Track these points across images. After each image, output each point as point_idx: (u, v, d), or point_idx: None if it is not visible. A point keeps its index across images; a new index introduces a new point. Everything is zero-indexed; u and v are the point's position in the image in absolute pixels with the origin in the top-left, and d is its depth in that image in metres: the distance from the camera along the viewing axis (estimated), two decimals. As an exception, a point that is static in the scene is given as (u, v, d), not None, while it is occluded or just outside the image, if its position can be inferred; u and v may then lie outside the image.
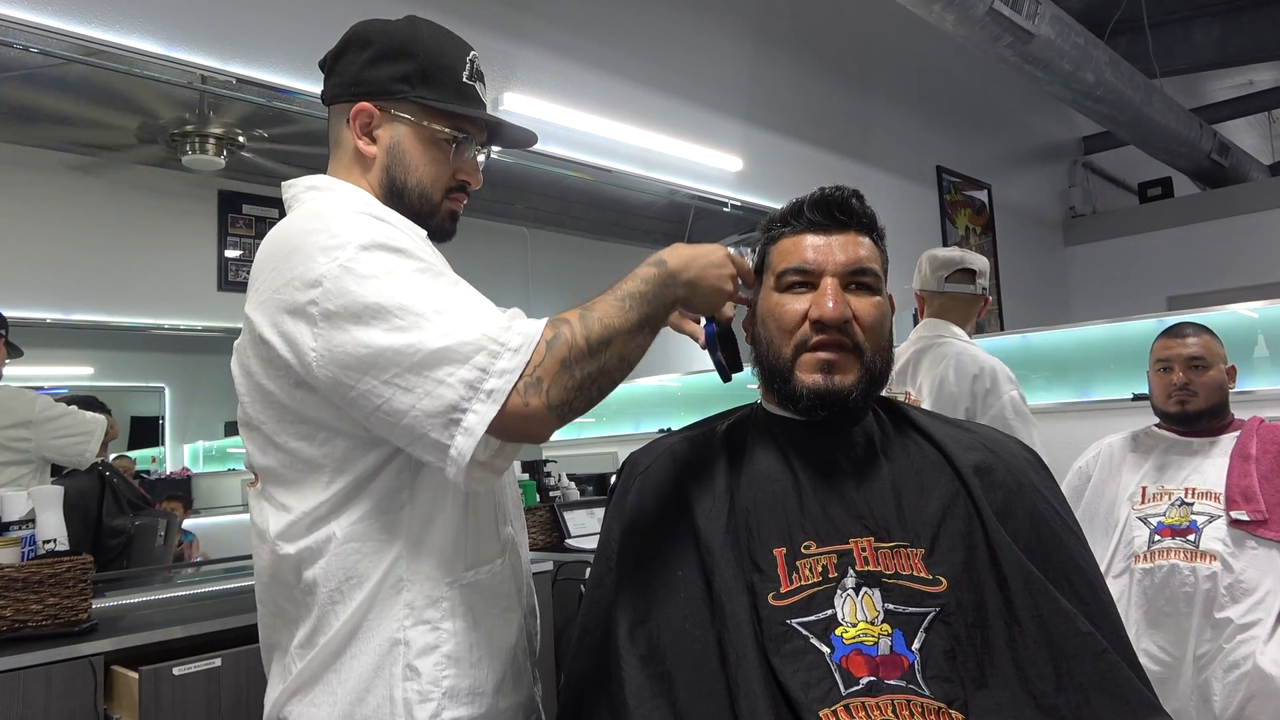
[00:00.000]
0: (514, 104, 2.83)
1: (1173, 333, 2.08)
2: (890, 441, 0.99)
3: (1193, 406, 2.00)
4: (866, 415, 0.99)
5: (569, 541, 2.57)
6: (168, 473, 2.47)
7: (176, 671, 1.49)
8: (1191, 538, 1.89)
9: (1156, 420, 2.12)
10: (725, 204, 3.61)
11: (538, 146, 1.14)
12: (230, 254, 2.58)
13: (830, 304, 0.94)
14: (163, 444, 2.48)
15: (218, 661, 1.54)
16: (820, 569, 0.87)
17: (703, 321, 1.04)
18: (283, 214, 0.98)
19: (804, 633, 0.84)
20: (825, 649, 0.83)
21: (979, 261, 2.23)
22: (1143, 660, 0.91)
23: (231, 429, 2.58)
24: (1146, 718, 0.81)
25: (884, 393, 1.02)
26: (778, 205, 1.05)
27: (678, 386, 3.90)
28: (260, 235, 2.64)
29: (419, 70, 0.99)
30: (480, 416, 0.79)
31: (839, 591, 0.86)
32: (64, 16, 1.98)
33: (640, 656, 0.86)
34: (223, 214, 2.59)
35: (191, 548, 2.40)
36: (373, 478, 0.90)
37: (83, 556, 1.57)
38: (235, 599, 1.85)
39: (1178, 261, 5.84)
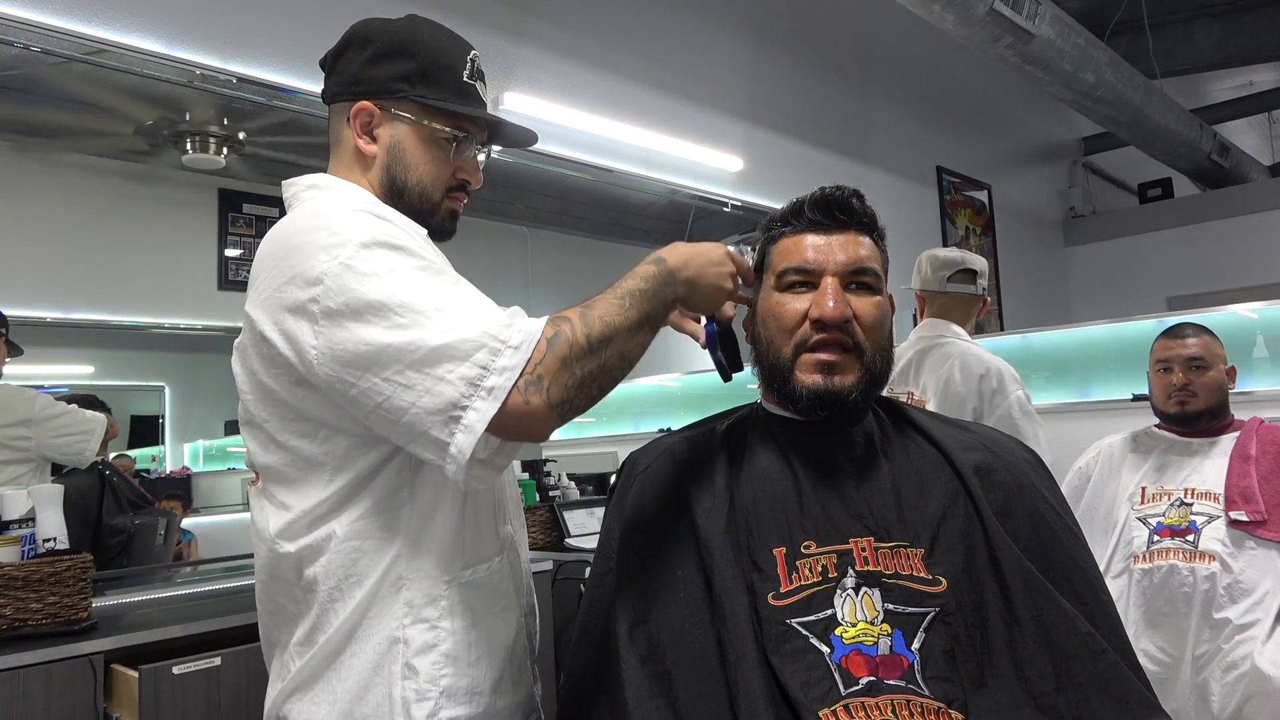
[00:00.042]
0: (514, 103, 2.84)
1: (1172, 333, 2.08)
2: (890, 441, 0.99)
3: (1192, 407, 2.00)
4: (866, 415, 0.99)
5: (569, 541, 2.57)
6: (168, 472, 2.47)
7: (176, 670, 1.49)
8: (1190, 538, 1.89)
9: (1156, 421, 2.12)
10: (725, 204, 3.61)
11: (538, 146, 1.14)
12: (230, 253, 2.58)
13: (830, 303, 0.94)
14: (163, 443, 2.48)
15: (217, 660, 1.54)
16: (820, 569, 0.87)
17: (703, 321, 1.04)
18: (283, 213, 0.98)
19: (804, 632, 0.84)
20: (825, 649, 0.83)
21: (979, 262, 2.24)
22: (1141, 660, 0.91)
23: (231, 428, 2.58)
24: (1146, 718, 0.81)
25: (885, 392, 1.02)
26: (778, 205, 1.05)
27: (677, 386, 3.90)
28: (260, 234, 2.63)
29: (419, 69, 0.99)
30: (481, 414, 0.79)
31: (839, 591, 0.86)
32: (64, 15, 1.98)
33: (640, 656, 0.86)
34: (223, 213, 2.59)
35: (190, 547, 2.40)
36: (373, 476, 0.90)
37: (83, 555, 1.57)
38: (235, 598, 1.85)
39: (1177, 262, 5.84)
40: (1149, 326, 2.70)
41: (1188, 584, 1.85)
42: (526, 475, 2.88)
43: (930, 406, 2.00)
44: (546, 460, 3.09)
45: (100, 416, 2.13)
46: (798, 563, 0.88)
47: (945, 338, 2.13)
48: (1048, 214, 6.22)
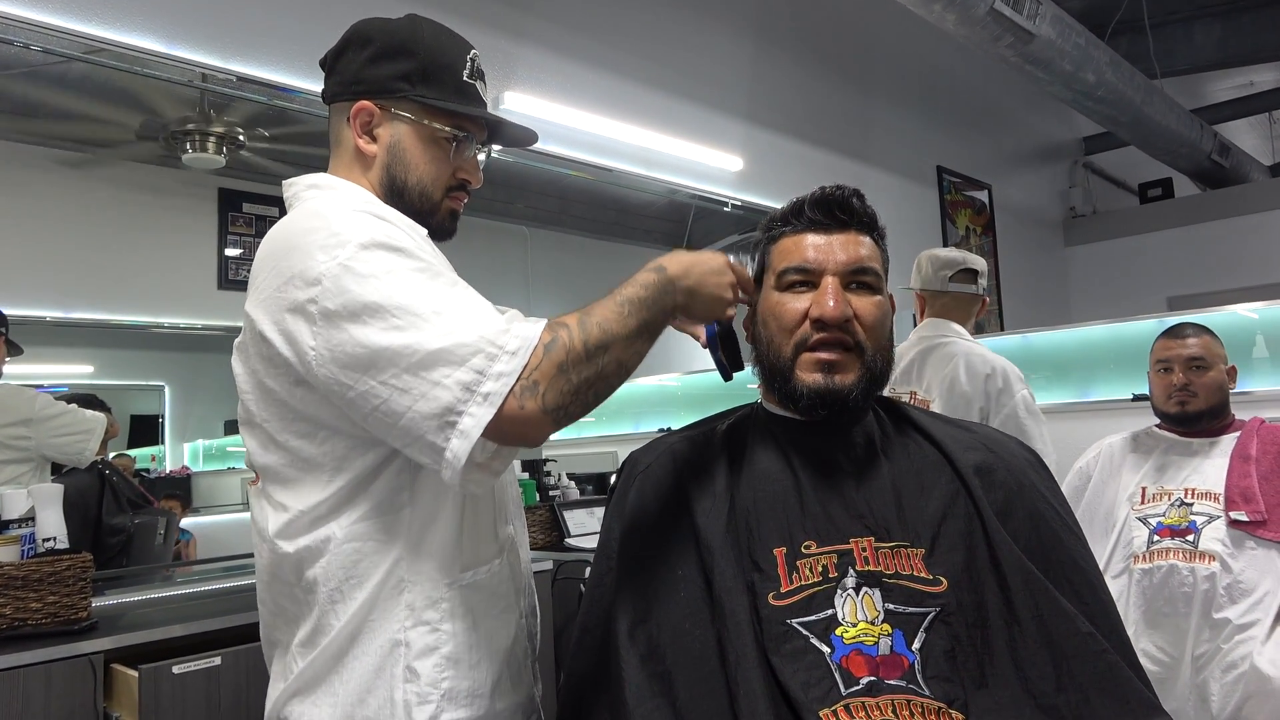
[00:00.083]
0: (514, 103, 2.83)
1: (1173, 333, 2.08)
2: (890, 441, 0.99)
3: (1193, 407, 2.00)
4: (867, 415, 0.99)
5: (569, 541, 2.57)
6: (167, 471, 2.47)
7: (176, 670, 1.49)
8: (1190, 538, 1.89)
9: (1157, 421, 2.12)
10: (725, 203, 3.61)
11: (538, 145, 1.14)
12: (230, 252, 2.58)
13: (831, 303, 0.94)
14: (162, 442, 2.48)
15: (217, 660, 1.54)
16: (820, 569, 0.87)
17: None
18: (283, 212, 0.98)
19: (804, 632, 0.84)
20: (825, 649, 0.83)
21: (980, 262, 2.24)
22: (1141, 660, 0.91)
23: (231, 428, 2.58)
24: (1147, 718, 0.81)
25: (888, 392, 1.02)
26: (778, 205, 1.05)
27: (677, 386, 3.90)
28: (260, 234, 2.63)
29: (419, 69, 0.98)
30: (476, 420, 0.79)
31: (839, 591, 0.86)
32: (65, 14, 1.98)
33: (640, 656, 0.86)
34: (223, 212, 2.59)
35: (189, 547, 2.40)
36: (373, 478, 0.90)
37: (82, 555, 1.57)
38: (235, 597, 1.85)
39: (1178, 262, 5.84)
40: (1149, 326, 2.70)
41: (1187, 584, 1.85)
42: (526, 475, 2.88)
43: (935, 406, 2.00)
44: (546, 460, 3.09)
45: (100, 416, 2.13)
46: (798, 563, 0.88)
47: (948, 337, 2.13)
48: (1048, 214, 6.22)
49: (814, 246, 0.98)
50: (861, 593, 0.85)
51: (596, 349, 0.84)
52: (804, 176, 3.86)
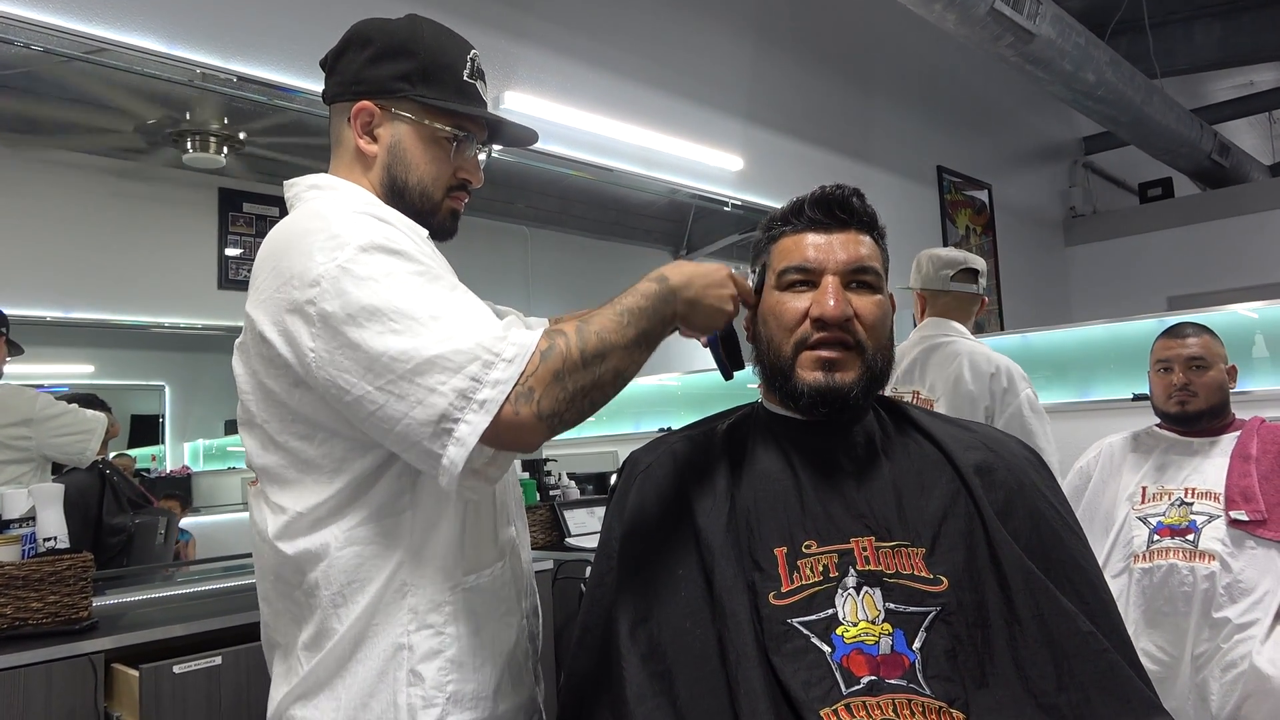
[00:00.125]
0: (515, 103, 2.83)
1: (1173, 333, 2.08)
2: (891, 441, 0.99)
3: (1193, 407, 2.00)
4: (867, 414, 0.99)
5: (569, 540, 2.57)
6: (168, 471, 2.47)
7: (177, 670, 1.49)
8: (1190, 537, 1.89)
9: (1157, 420, 2.12)
10: (726, 203, 3.61)
11: (538, 145, 1.14)
12: (230, 252, 2.58)
13: (831, 302, 0.94)
14: (163, 442, 2.48)
15: (218, 660, 1.54)
16: (821, 568, 0.87)
17: None
18: (284, 212, 0.98)
19: (805, 632, 0.84)
20: (826, 648, 0.83)
21: (980, 262, 2.25)
22: (1140, 660, 0.91)
23: (231, 427, 2.58)
24: (1147, 717, 0.81)
25: (890, 392, 1.03)
26: (778, 204, 1.05)
27: (678, 385, 3.90)
28: (261, 234, 2.65)
29: (420, 69, 0.98)
30: (473, 427, 0.79)
31: (840, 591, 0.86)
32: (65, 14, 1.98)
33: (641, 655, 0.86)
34: (223, 212, 2.59)
35: (188, 547, 2.40)
36: (373, 481, 0.90)
37: (83, 554, 1.57)
38: (235, 597, 1.85)
39: (1178, 262, 5.84)
40: (1149, 326, 2.70)
41: (1187, 583, 1.86)
42: (527, 475, 2.88)
43: (940, 405, 2.01)
44: (547, 460, 3.09)
45: (100, 416, 2.13)
46: (799, 562, 0.88)
47: (950, 337, 2.13)
48: (1048, 214, 6.22)
49: (814, 246, 0.98)
50: (862, 592, 0.86)
51: (594, 357, 0.84)
52: (804, 176, 3.86)
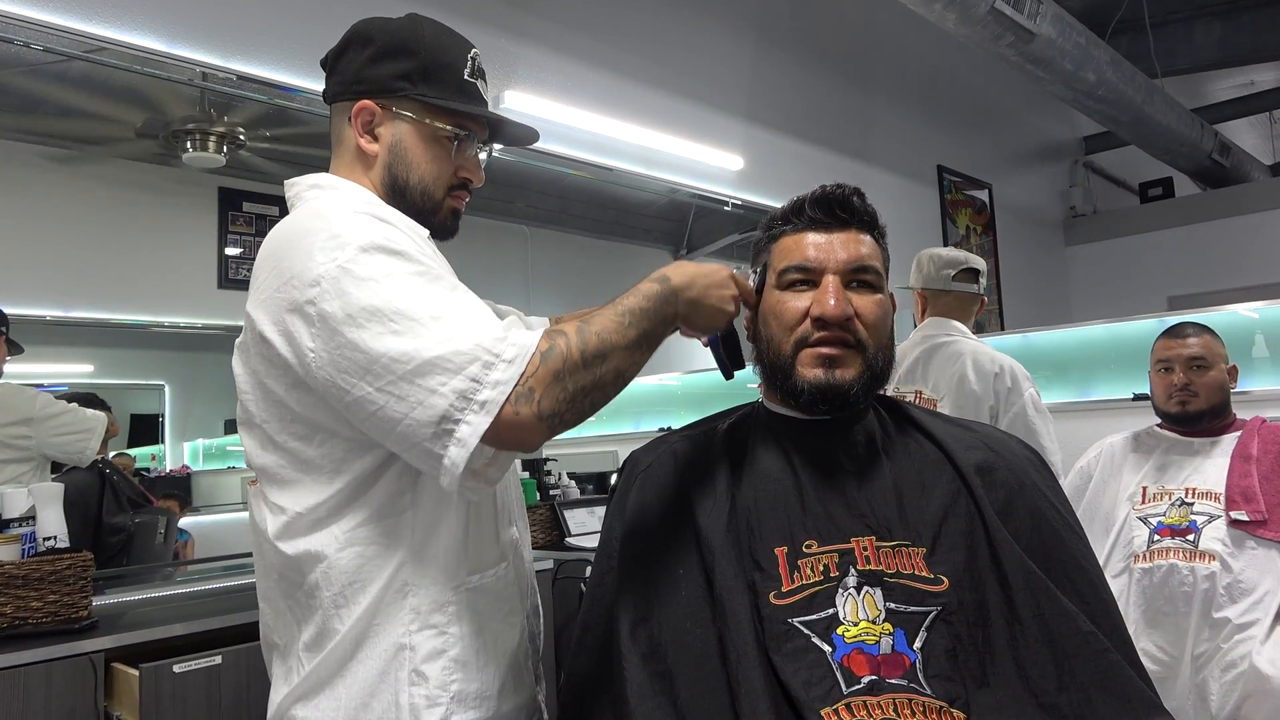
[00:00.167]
0: (515, 102, 2.83)
1: (1174, 333, 2.08)
2: (892, 440, 0.99)
3: (1193, 407, 2.00)
4: (868, 414, 0.99)
5: (569, 540, 2.57)
6: (167, 470, 2.47)
7: (177, 669, 1.49)
8: (1191, 538, 1.89)
9: (1157, 420, 2.12)
10: (726, 203, 3.61)
11: (538, 145, 1.14)
12: (230, 251, 2.58)
13: (832, 301, 0.94)
14: (162, 441, 2.48)
15: (218, 659, 1.54)
16: (822, 568, 0.87)
17: None
18: (284, 212, 0.97)
19: (805, 631, 0.84)
20: (827, 648, 0.83)
21: (980, 262, 2.26)
22: (1140, 659, 0.91)
23: (231, 427, 2.57)
24: (1148, 717, 0.81)
25: (892, 392, 1.02)
26: (778, 204, 1.05)
27: (678, 385, 3.90)
28: (261, 233, 2.65)
29: (420, 68, 0.98)
30: (473, 428, 0.79)
31: (840, 590, 0.86)
32: (66, 13, 1.98)
33: (641, 655, 0.86)
34: (223, 211, 2.59)
35: (187, 547, 2.40)
36: (373, 481, 0.90)
37: (83, 554, 1.57)
38: (235, 596, 1.85)
39: (1178, 261, 5.84)
40: (1150, 326, 2.70)
41: (1187, 583, 1.86)
42: (527, 474, 2.88)
43: (944, 405, 2.01)
44: (547, 459, 3.09)
45: (100, 415, 2.13)
46: (799, 562, 0.88)
47: (952, 336, 2.14)
48: (1048, 213, 6.22)
49: (815, 245, 0.98)
50: (863, 592, 0.86)
51: (594, 358, 0.84)
52: (804, 176, 3.86)
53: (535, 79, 2.96)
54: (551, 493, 2.90)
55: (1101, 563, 1.97)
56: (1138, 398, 2.76)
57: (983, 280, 2.24)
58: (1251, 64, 6.08)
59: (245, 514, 1.01)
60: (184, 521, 2.41)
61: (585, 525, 2.62)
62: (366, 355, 0.81)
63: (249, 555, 1.01)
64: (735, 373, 1.06)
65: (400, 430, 0.81)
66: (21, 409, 2.02)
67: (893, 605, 0.85)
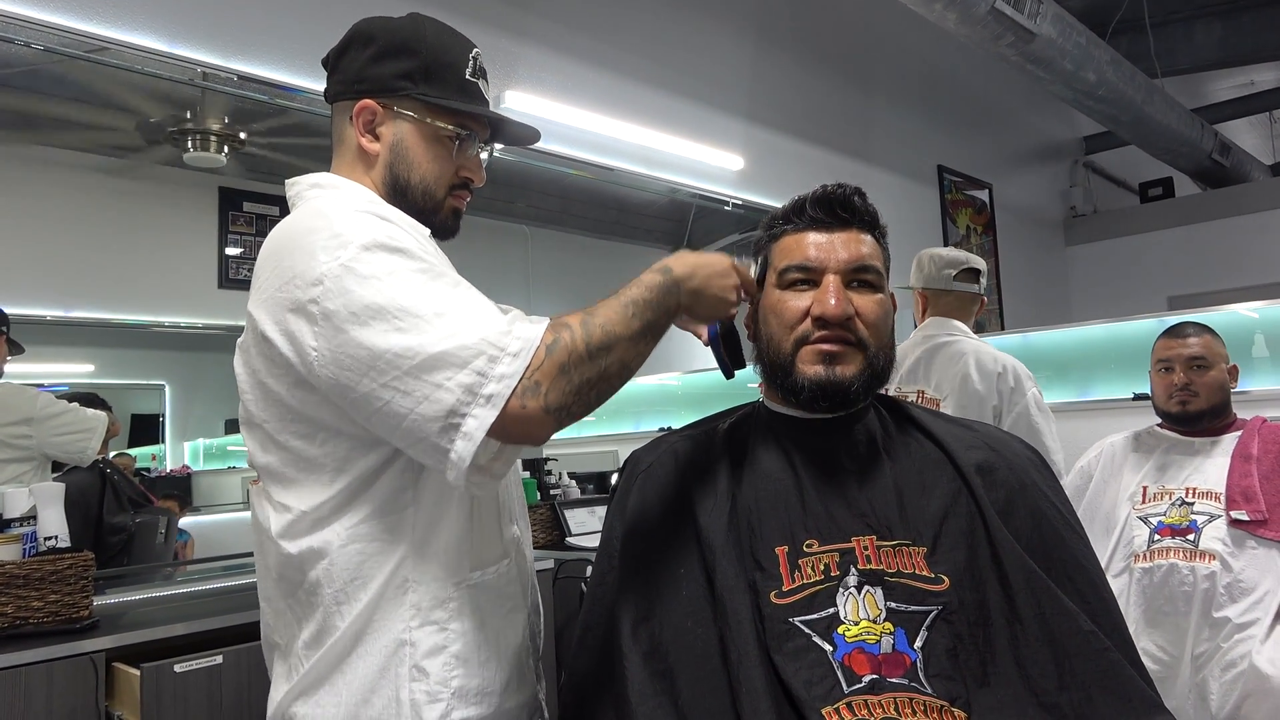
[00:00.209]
0: (516, 102, 2.83)
1: (1174, 333, 2.08)
2: (892, 440, 0.99)
3: (1194, 407, 2.00)
4: (869, 413, 0.99)
5: (570, 540, 2.57)
6: (168, 470, 2.47)
7: (178, 669, 1.49)
8: (1191, 537, 1.89)
9: (1158, 420, 2.12)
10: (726, 202, 3.61)
11: (539, 144, 1.14)
12: (231, 251, 2.58)
13: (833, 301, 0.94)
14: (163, 441, 2.48)
15: (219, 659, 1.54)
16: (822, 567, 0.87)
17: None
18: (284, 212, 0.97)
19: (806, 631, 0.84)
20: (827, 647, 0.83)
21: (981, 262, 2.26)
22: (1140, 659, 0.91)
23: (231, 427, 2.58)
24: (1149, 716, 0.81)
25: (894, 391, 1.03)
26: (779, 204, 1.05)
27: (678, 385, 3.90)
28: (261, 233, 2.65)
29: (422, 67, 0.98)
30: (480, 421, 0.79)
31: (841, 590, 0.86)
32: (66, 13, 1.98)
33: (642, 654, 0.86)
34: (223, 211, 2.60)
35: (186, 547, 2.40)
36: (375, 478, 0.90)
37: (84, 553, 1.57)
38: (236, 596, 1.85)
39: (1178, 261, 5.84)
40: (1150, 326, 2.70)
41: (1188, 583, 1.86)
42: (528, 474, 2.88)
43: (948, 405, 2.01)
44: (547, 459, 3.10)
45: (101, 415, 2.13)
46: (800, 561, 0.88)
47: (954, 336, 2.14)
48: (1049, 213, 6.22)
49: (816, 245, 0.98)
50: (863, 591, 0.86)
51: (599, 349, 0.84)
52: (805, 175, 3.86)
53: (536, 79, 2.96)
54: (552, 492, 2.90)
55: (1104, 563, 1.97)
56: (1138, 397, 2.76)
57: (983, 280, 2.25)
58: (1252, 64, 6.08)
59: (246, 514, 1.01)
60: (184, 521, 2.41)
61: (586, 525, 2.62)
62: (371, 352, 0.81)
63: (249, 555, 1.01)
64: (736, 372, 1.06)
65: (406, 426, 0.81)
66: (22, 409, 2.02)
67: (893, 604, 0.85)
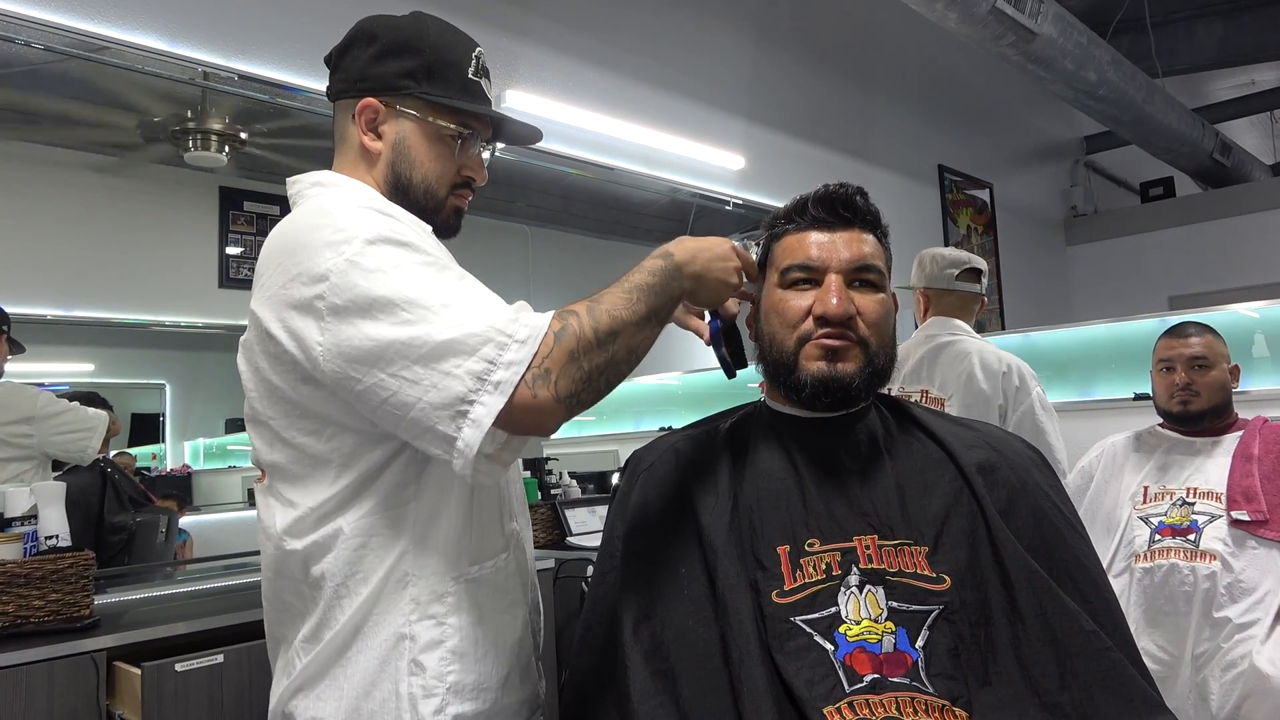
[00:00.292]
0: (517, 101, 2.83)
1: (1175, 332, 2.08)
2: (894, 439, 0.99)
3: (1195, 406, 2.00)
4: (870, 412, 0.99)
5: (570, 539, 2.57)
6: (168, 469, 2.47)
7: (179, 668, 1.49)
8: (1192, 537, 1.89)
9: (1159, 420, 2.12)
10: (727, 202, 3.61)
11: (540, 144, 1.14)
12: (231, 251, 2.58)
13: (834, 300, 0.94)
14: (163, 441, 2.48)
15: (220, 658, 1.54)
16: (824, 566, 0.87)
17: (707, 317, 1.04)
18: (285, 211, 0.97)
19: (807, 630, 0.84)
20: (829, 646, 0.83)
21: (982, 262, 2.26)
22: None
23: (232, 426, 2.58)
24: (1150, 716, 0.81)
25: (897, 391, 1.03)
26: (779, 204, 1.05)
27: (678, 384, 3.90)
28: (261, 232, 2.65)
29: (424, 66, 0.98)
30: (488, 408, 0.79)
31: (842, 589, 0.86)
32: (67, 12, 1.98)
33: (644, 653, 0.86)
34: (224, 211, 2.60)
35: (186, 547, 2.40)
36: (380, 472, 0.90)
37: (85, 552, 1.57)
38: (237, 595, 1.85)
39: (1179, 261, 5.84)
40: (1151, 325, 2.70)
41: (1188, 583, 1.86)
42: (528, 473, 2.88)
43: (953, 404, 2.01)
44: (548, 459, 3.09)
45: (102, 414, 2.13)
46: (801, 560, 0.88)
47: (957, 335, 2.14)
48: (1049, 213, 6.22)
49: (817, 244, 0.98)
50: (865, 590, 0.86)
51: (607, 336, 0.84)
52: (805, 175, 3.86)
53: (536, 78, 2.96)
54: (552, 492, 2.90)
55: (1105, 563, 1.97)
56: (1139, 397, 2.76)
57: (984, 280, 2.24)
58: (1252, 63, 6.08)
59: (246, 513, 1.01)
60: (185, 521, 2.41)
61: (586, 524, 2.62)
62: (378, 343, 0.81)
63: (250, 554, 1.01)
64: (738, 371, 1.06)
65: (413, 415, 0.81)
66: (23, 408, 2.02)
67: (895, 604, 0.85)
